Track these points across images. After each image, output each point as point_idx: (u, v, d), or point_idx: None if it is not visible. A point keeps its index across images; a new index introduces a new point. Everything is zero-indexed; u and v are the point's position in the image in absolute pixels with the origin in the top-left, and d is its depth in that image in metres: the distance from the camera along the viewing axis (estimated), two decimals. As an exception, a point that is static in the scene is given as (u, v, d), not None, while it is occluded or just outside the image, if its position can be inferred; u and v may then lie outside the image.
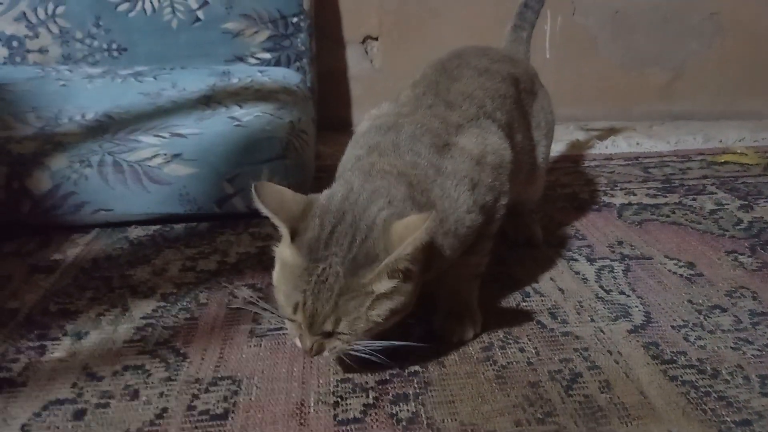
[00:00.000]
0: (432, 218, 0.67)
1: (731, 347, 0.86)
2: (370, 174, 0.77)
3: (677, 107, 2.14)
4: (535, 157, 1.07)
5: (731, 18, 2.05)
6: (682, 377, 0.80)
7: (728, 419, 0.73)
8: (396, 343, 0.74)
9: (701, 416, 0.73)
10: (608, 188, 1.49)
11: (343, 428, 0.73)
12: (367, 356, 0.74)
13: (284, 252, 0.72)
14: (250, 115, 1.36)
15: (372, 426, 0.73)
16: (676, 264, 1.10)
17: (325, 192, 0.76)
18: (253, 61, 1.75)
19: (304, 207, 0.72)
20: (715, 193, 1.45)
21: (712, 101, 2.14)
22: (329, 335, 0.72)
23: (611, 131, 1.98)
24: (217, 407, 0.76)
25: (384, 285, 0.69)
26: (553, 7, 1.95)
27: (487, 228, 0.87)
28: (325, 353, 0.73)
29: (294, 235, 0.71)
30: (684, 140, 1.92)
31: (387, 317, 0.71)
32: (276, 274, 0.74)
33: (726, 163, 1.69)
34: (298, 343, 0.74)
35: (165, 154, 1.24)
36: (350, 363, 0.78)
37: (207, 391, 0.79)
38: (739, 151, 1.77)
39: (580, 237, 1.22)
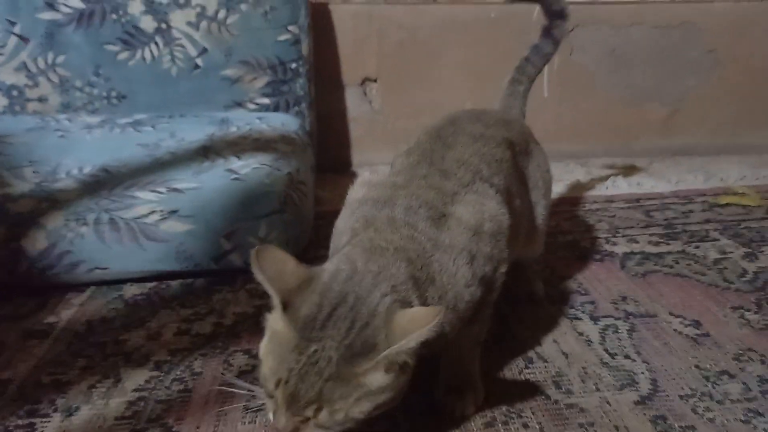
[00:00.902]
0: (440, 314, 0.65)
1: (741, 419, 0.84)
2: (371, 251, 0.75)
3: (677, 142, 2.14)
4: (534, 218, 1.06)
5: (728, 54, 2.05)
6: (691, 457, 0.77)
7: (741, 506, 0.70)
8: None
9: (713, 503, 0.70)
10: (610, 235, 1.47)
11: None
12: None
13: (276, 324, 0.69)
14: (248, 167, 1.35)
15: None
16: (681, 322, 1.08)
17: (329, 267, 0.74)
18: (252, 106, 1.75)
19: (303, 281, 0.70)
20: (719, 240, 1.43)
21: (711, 135, 2.14)
22: (307, 420, 0.68)
23: (631, 168, 1.95)
24: (210, 496, 0.73)
25: (378, 379, 0.66)
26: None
27: (486, 298, 0.86)
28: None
29: (286, 307, 0.68)
30: (685, 179, 1.91)
31: (370, 413, 0.68)
32: (264, 344, 0.71)
33: (728, 204, 1.67)
34: (272, 418, 0.69)
35: (162, 211, 1.23)
36: None
37: (200, 476, 0.76)
38: (740, 191, 1.75)
39: (583, 292, 1.20)
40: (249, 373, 0.96)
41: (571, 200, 1.73)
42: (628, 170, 1.95)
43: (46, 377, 0.96)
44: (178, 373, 0.96)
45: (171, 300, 1.19)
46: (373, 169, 0.96)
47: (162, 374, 0.96)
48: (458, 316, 0.79)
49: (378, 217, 0.82)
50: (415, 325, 0.65)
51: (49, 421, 0.86)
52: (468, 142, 0.96)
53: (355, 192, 0.92)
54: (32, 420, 0.86)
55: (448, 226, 0.82)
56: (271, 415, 0.70)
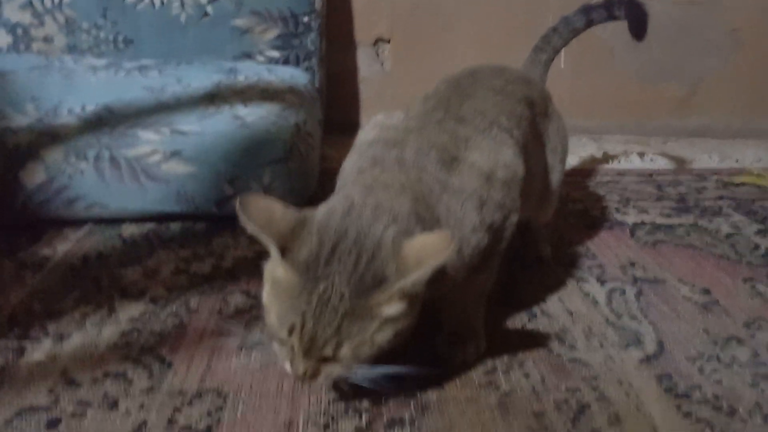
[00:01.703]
0: (454, 241, 0.63)
1: (749, 384, 0.81)
2: (371, 188, 0.73)
3: (693, 123, 2.09)
4: (548, 182, 1.03)
5: (751, 35, 2.00)
6: (697, 414, 0.75)
7: (746, 463, 0.68)
8: (397, 368, 0.69)
9: (717, 459, 0.68)
10: (620, 205, 1.44)
11: (333, 453, 0.68)
12: (364, 384, 0.69)
13: (276, 271, 0.67)
14: (255, 115, 1.32)
15: (363, 452, 0.68)
16: (690, 290, 1.05)
17: (322, 207, 0.71)
18: (261, 58, 1.71)
19: (295, 224, 0.67)
20: (731, 216, 1.39)
21: (728, 118, 2.09)
22: (326, 360, 0.66)
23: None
24: (200, 423, 0.71)
25: (394, 309, 0.64)
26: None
27: (495, 247, 0.83)
28: (320, 379, 0.67)
29: (284, 253, 0.65)
30: (699, 158, 1.87)
31: (390, 342, 0.66)
32: (266, 293, 0.68)
33: (743, 184, 1.63)
34: (288, 369, 0.67)
35: (164, 152, 1.20)
36: (344, 389, 0.73)
37: (190, 404, 0.74)
38: (756, 173, 1.71)
39: (591, 256, 1.17)
40: (246, 312, 0.94)
41: (582, 172, 1.70)
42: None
43: (38, 305, 0.94)
44: (174, 308, 0.94)
45: (170, 241, 1.16)
46: (387, 113, 0.92)
47: (157, 308, 0.94)
48: (463, 262, 0.76)
49: (386, 157, 0.79)
50: (429, 254, 0.63)
51: (40, 345, 0.84)
52: (488, 94, 0.93)
53: (366, 134, 0.89)
54: (22, 343, 0.84)
55: (460, 170, 0.79)
56: (286, 365, 0.67)
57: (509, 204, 0.82)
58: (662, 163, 1.81)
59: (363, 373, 0.68)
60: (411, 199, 0.72)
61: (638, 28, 1.20)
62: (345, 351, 0.64)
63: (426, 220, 0.72)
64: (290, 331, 0.64)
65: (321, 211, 0.70)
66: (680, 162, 1.83)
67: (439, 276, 0.73)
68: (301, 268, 0.64)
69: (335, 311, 0.62)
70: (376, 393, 0.75)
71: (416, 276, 0.63)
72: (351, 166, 0.83)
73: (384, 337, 0.65)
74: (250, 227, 0.64)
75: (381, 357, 0.68)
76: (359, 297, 0.63)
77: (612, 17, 1.20)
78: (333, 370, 0.67)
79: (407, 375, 0.72)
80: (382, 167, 0.77)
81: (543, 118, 1.03)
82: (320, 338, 0.63)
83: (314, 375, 0.66)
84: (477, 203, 0.77)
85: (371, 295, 0.63)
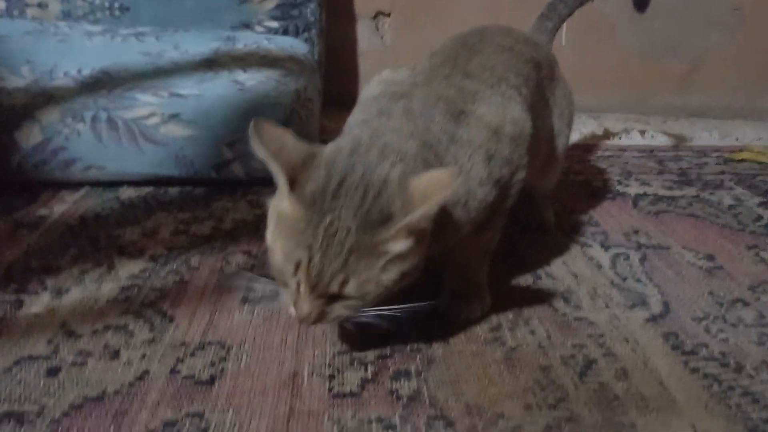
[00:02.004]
0: (460, 176, 0.62)
1: (755, 342, 0.81)
2: (379, 132, 0.71)
3: (694, 101, 2.08)
4: (554, 146, 1.02)
5: (755, 12, 1.98)
6: (704, 370, 0.74)
7: (754, 416, 0.67)
8: (402, 307, 0.68)
9: (726, 411, 0.68)
10: (622, 178, 1.43)
11: (339, 402, 0.67)
12: (369, 327, 0.68)
13: (281, 205, 0.65)
14: (254, 80, 1.30)
15: (370, 401, 0.67)
16: (694, 256, 1.04)
17: (330, 145, 0.70)
18: (260, 29, 1.68)
19: (305, 156, 0.65)
20: (733, 189, 1.39)
21: (730, 96, 2.08)
22: (332, 300, 0.65)
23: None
24: (203, 373, 0.70)
25: (400, 245, 0.62)
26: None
27: (501, 204, 0.82)
28: (325, 321, 0.66)
29: (293, 185, 0.63)
30: (700, 136, 1.87)
31: (397, 281, 0.64)
32: (271, 232, 0.67)
33: (743, 161, 1.63)
34: (293, 311, 0.66)
35: (162, 114, 1.18)
36: (349, 332, 0.71)
37: (193, 355, 0.73)
38: (757, 150, 1.71)
39: (594, 224, 1.16)
40: (248, 270, 0.92)
41: (584, 147, 1.69)
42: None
43: (35, 262, 0.92)
44: (174, 266, 0.93)
45: (168, 204, 1.15)
46: (392, 69, 0.91)
47: (157, 266, 0.92)
48: (469, 216, 0.75)
49: (393, 108, 0.78)
50: (435, 189, 0.61)
51: (38, 299, 0.83)
52: (496, 51, 0.92)
53: (371, 89, 0.87)
54: (20, 297, 0.83)
55: (467, 123, 0.78)
56: (291, 308, 0.66)
57: (517, 160, 0.80)
58: (663, 140, 1.80)
59: (368, 316, 0.67)
60: (419, 144, 0.70)
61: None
62: (351, 287, 0.63)
63: (434, 166, 0.70)
64: (297, 267, 0.62)
65: (329, 148, 0.68)
66: (680, 139, 1.83)
67: (445, 227, 0.72)
68: (308, 201, 0.63)
69: (341, 245, 0.61)
70: (381, 340, 0.74)
71: (423, 211, 0.61)
72: (355, 119, 0.82)
73: (390, 276, 0.64)
74: (262, 153, 0.62)
75: (385, 301, 0.67)
76: (366, 232, 0.61)
77: None
78: (339, 312, 0.65)
79: (411, 329, 0.72)
80: (388, 117, 0.76)
81: (549, 81, 1.02)
82: (327, 273, 0.62)
83: (319, 317, 0.65)
84: (485, 156, 0.76)
85: (378, 231, 0.61)
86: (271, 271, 0.68)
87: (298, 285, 0.64)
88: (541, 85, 0.97)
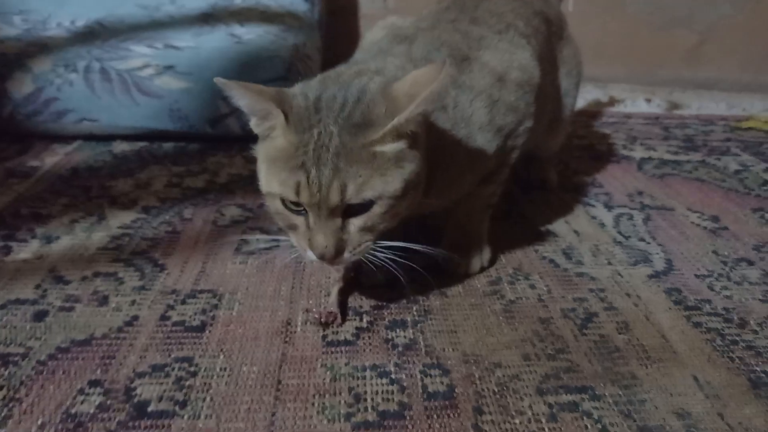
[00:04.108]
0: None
1: (759, 299, 0.79)
2: (365, 63, 0.69)
3: (702, 73, 2.04)
4: (561, 106, 0.99)
5: (767, -19, 1.93)
6: (706, 324, 0.73)
7: (758, 368, 0.65)
8: (419, 247, 0.66)
9: (728, 363, 0.66)
10: (627, 143, 1.40)
11: (332, 349, 0.65)
12: (388, 262, 0.64)
13: (274, 144, 0.62)
14: (252, 33, 1.27)
15: (364, 349, 0.66)
16: (699, 217, 1.02)
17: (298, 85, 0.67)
18: (259, -13, 1.63)
19: (278, 93, 0.62)
20: (739, 155, 1.36)
21: (738, 69, 2.04)
22: (345, 220, 0.61)
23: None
24: (194, 319, 0.69)
25: (390, 147, 0.60)
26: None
27: (505, 157, 0.79)
28: (346, 255, 0.62)
29: (286, 117, 0.60)
30: (707, 106, 1.83)
31: (402, 193, 0.61)
32: (265, 180, 0.64)
33: (750, 129, 1.60)
34: (310, 255, 0.62)
35: (157, 65, 1.15)
36: (371, 268, 0.67)
37: (184, 302, 0.71)
38: (763, 119, 1.67)
39: (598, 185, 1.14)
40: (242, 223, 0.90)
41: (588, 113, 1.65)
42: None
43: (25, 210, 0.90)
44: (167, 217, 0.90)
45: (162, 157, 1.12)
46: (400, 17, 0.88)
47: (149, 217, 0.90)
48: (468, 159, 0.72)
49: (393, 50, 0.75)
50: (421, 87, 0.58)
51: (27, 246, 0.81)
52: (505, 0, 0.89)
53: (374, 34, 0.84)
54: (9, 243, 0.81)
55: (471, 69, 0.75)
56: (308, 252, 0.62)
57: (523, 108, 0.77)
58: (663, 107, 1.77)
59: (384, 249, 0.63)
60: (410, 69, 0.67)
61: None
62: (351, 192, 0.59)
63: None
64: (297, 192, 0.60)
65: (299, 83, 0.66)
66: (677, 106, 1.79)
67: (441, 169, 0.69)
68: (296, 126, 0.60)
69: (328, 151, 0.59)
70: (377, 294, 0.73)
71: (409, 111, 0.58)
72: (353, 61, 0.79)
73: (394, 184, 0.60)
74: (249, 93, 0.60)
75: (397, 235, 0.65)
76: (349, 135, 0.59)
77: None
78: (355, 240, 0.62)
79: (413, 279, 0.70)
80: (385, 57, 0.73)
81: (558, 40, 0.98)
82: (325, 183, 0.59)
83: (338, 247, 0.61)
84: (487, 102, 0.73)
85: (362, 134, 0.59)
86: (275, 223, 0.65)
87: (306, 219, 0.61)
88: (549, 41, 0.93)
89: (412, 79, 0.60)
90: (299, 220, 0.62)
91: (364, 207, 0.61)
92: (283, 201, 0.62)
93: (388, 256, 0.64)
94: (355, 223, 0.61)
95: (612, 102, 1.80)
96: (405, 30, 0.80)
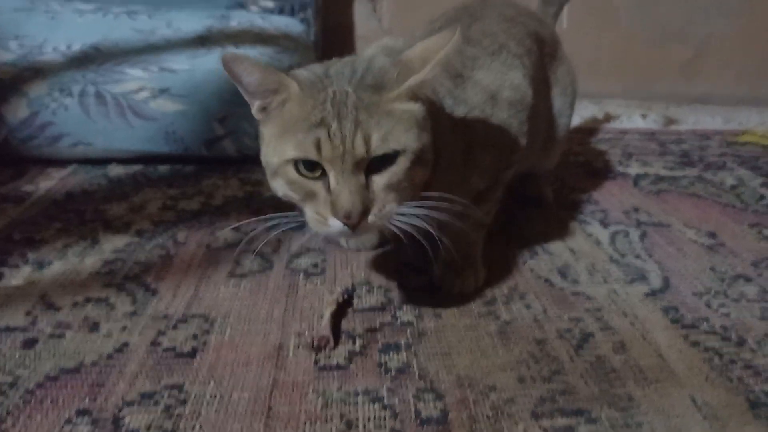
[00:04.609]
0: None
1: (758, 317, 0.78)
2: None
3: (698, 87, 2.04)
4: (555, 125, 0.99)
5: (760, -4, 1.95)
6: (704, 343, 0.72)
7: (756, 388, 0.64)
8: (439, 205, 0.63)
9: (727, 384, 0.65)
10: (623, 159, 1.40)
11: (324, 374, 0.65)
12: (409, 229, 0.62)
13: (280, 117, 0.61)
14: (248, 55, 1.27)
15: (357, 374, 0.65)
16: (696, 233, 1.02)
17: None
18: (255, 8, 1.65)
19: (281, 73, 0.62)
20: (736, 170, 1.36)
21: (734, 83, 2.04)
22: (368, 177, 0.60)
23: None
24: (185, 345, 0.68)
25: (407, 106, 0.61)
26: (574, -29, 1.85)
27: (500, 173, 0.79)
28: (371, 218, 0.59)
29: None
30: (702, 121, 1.83)
31: (420, 148, 0.61)
32: (272, 147, 0.61)
33: (746, 143, 1.60)
34: (334, 222, 0.59)
35: (152, 88, 1.15)
36: (396, 232, 0.63)
37: (175, 327, 0.71)
38: (760, 133, 1.67)
39: (594, 202, 1.13)
40: (236, 245, 0.90)
41: (584, 130, 1.66)
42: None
43: (17, 234, 0.90)
44: (161, 241, 0.90)
45: (157, 180, 1.12)
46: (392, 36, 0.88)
47: (143, 240, 0.90)
48: (466, 167, 0.72)
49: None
50: (432, 52, 0.60)
51: (18, 271, 0.80)
52: (498, 19, 0.90)
53: (368, 52, 0.84)
54: (0, 269, 0.80)
55: (464, 87, 0.75)
56: (330, 220, 0.59)
57: (516, 126, 0.78)
58: (660, 122, 1.77)
59: (406, 215, 0.62)
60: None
61: None
62: (375, 142, 0.58)
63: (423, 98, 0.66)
64: (318, 146, 0.58)
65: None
66: (673, 121, 1.79)
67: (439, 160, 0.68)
68: (308, 88, 0.61)
69: (347, 106, 0.59)
70: (370, 316, 0.72)
71: (424, 73, 0.60)
72: None
73: (414, 137, 0.60)
74: (260, 70, 0.60)
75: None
76: (365, 92, 0.60)
77: None
78: (381, 199, 0.60)
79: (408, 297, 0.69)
80: None
81: (552, 59, 0.99)
82: (348, 135, 0.58)
83: (365, 209, 0.58)
84: (480, 117, 0.74)
85: (377, 93, 0.60)
86: (293, 201, 0.63)
87: (325, 182, 0.59)
88: (542, 61, 0.94)
89: (422, 47, 0.62)
90: (317, 186, 0.60)
91: (386, 162, 0.60)
92: (297, 168, 0.60)
93: (410, 223, 0.62)
94: (379, 180, 0.60)
95: (608, 118, 1.80)
96: (396, 44, 0.81)
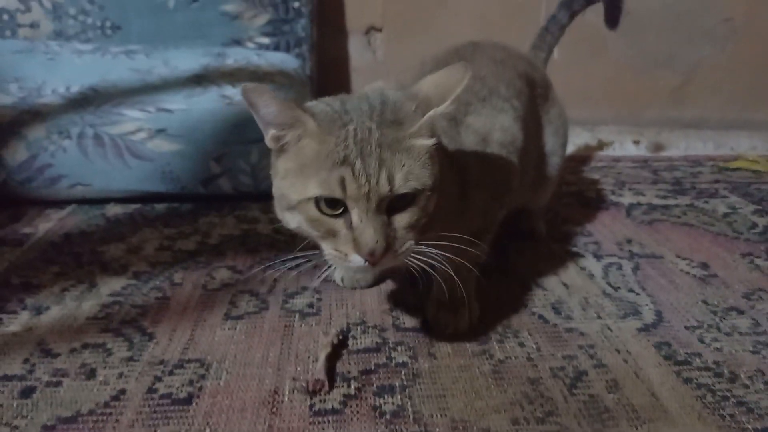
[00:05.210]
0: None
1: (750, 351, 0.79)
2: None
3: (688, 112, 2.08)
4: (547, 164, 1.01)
5: (745, 23, 1.99)
6: (697, 380, 0.72)
7: (749, 426, 0.65)
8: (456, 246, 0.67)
9: (719, 422, 0.65)
10: (616, 188, 1.42)
11: (319, 419, 0.65)
12: (429, 267, 0.65)
13: (296, 153, 0.62)
14: (243, 94, 1.29)
15: (352, 419, 0.65)
16: (688, 264, 1.03)
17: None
18: (251, 45, 1.68)
19: (297, 103, 0.63)
20: (728, 197, 1.37)
21: (723, 107, 2.08)
22: (391, 216, 0.61)
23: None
24: (181, 391, 0.68)
25: (424, 141, 0.62)
26: (563, 2, 1.90)
27: (492, 214, 0.81)
28: (392, 255, 0.61)
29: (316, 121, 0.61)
30: (694, 146, 1.86)
31: (433, 185, 0.63)
32: (291, 183, 0.62)
33: (738, 169, 1.62)
34: (356, 258, 0.60)
35: (149, 129, 1.17)
36: (414, 268, 0.66)
37: (171, 373, 0.71)
38: (751, 158, 1.70)
39: (587, 234, 1.14)
40: (232, 286, 0.91)
41: (577, 158, 1.68)
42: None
43: (15, 279, 0.90)
44: (157, 282, 0.91)
45: (155, 220, 1.13)
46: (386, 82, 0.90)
47: (140, 283, 0.91)
48: (456, 213, 0.74)
49: None
50: (447, 88, 0.62)
51: (16, 318, 0.81)
52: (488, 62, 0.92)
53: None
54: (-2, 315, 0.81)
55: (458, 131, 0.78)
56: (352, 256, 0.60)
57: (508, 167, 0.80)
58: (652, 148, 1.80)
59: (425, 252, 0.64)
60: None
61: (613, 13, 1.20)
62: (399, 181, 0.59)
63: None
64: (343, 185, 0.59)
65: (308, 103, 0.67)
66: (663, 147, 1.81)
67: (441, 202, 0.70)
68: (328, 125, 0.61)
69: (371, 144, 0.60)
70: (365, 358, 0.73)
71: (444, 107, 0.62)
72: None
73: (430, 175, 0.62)
74: (277, 104, 0.60)
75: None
76: (387, 128, 0.61)
77: (590, 2, 1.21)
78: (402, 238, 0.62)
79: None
80: None
81: (544, 101, 1.01)
82: (372, 174, 0.59)
83: (387, 242, 0.60)
84: (475, 158, 0.76)
85: (399, 128, 0.61)
86: (309, 236, 0.64)
87: (346, 220, 0.61)
88: (534, 102, 0.96)
89: (432, 82, 0.64)
90: (338, 223, 0.61)
91: (406, 202, 0.62)
92: (317, 205, 0.61)
93: (425, 259, 0.64)
94: (400, 219, 0.62)
95: (600, 146, 1.82)
96: (391, 86, 0.83)
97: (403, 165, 0.60)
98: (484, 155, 0.77)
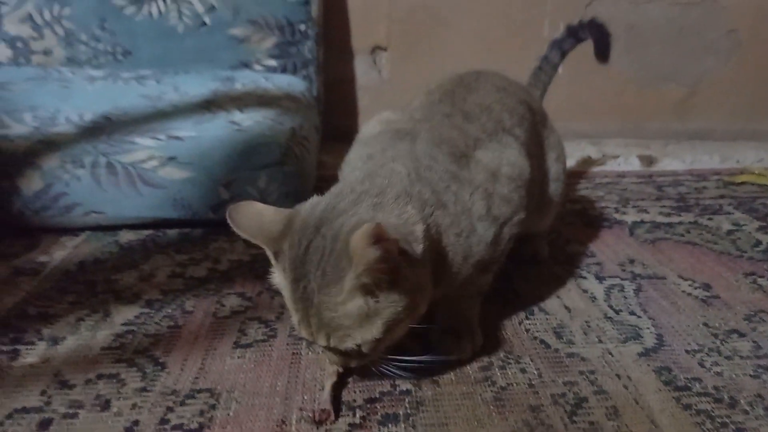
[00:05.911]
0: (377, 227, 0.57)
1: (750, 375, 0.80)
2: (373, 174, 0.73)
3: (693, 125, 2.08)
4: (548, 189, 1.03)
5: (750, 35, 1.99)
6: (696, 406, 0.73)
7: (748, 454, 0.66)
8: (422, 358, 0.73)
9: (718, 450, 0.67)
10: (620, 205, 1.43)
11: (326, 450, 0.67)
12: (392, 372, 0.73)
13: (275, 274, 0.70)
14: (251, 119, 1.32)
15: (357, 448, 0.67)
16: (690, 285, 1.04)
17: (313, 199, 0.72)
18: (258, 67, 1.72)
19: (285, 223, 0.68)
20: (732, 214, 1.38)
21: (728, 119, 2.08)
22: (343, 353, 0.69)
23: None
24: (192, 422, 0.71)
25: (357, 305, 0.63)
26: (566, 20, 1.91)
27: (498, 246, 0.83)
28: (354, 365, 0.72)
29: (277, 256, 0.68)
30: (700, 159, 1.86)
31: (389, 331, 0.66)
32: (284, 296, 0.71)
33: (743, 183, 1.62)
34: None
35: (160, 157, 1.20)
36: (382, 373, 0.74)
37: (183, 404, 0.73)
38: (757, 172, 1.70)
39: (590, 254, 1.16)
40: (241, 313, 0.93)
41: (581, 174, 1.69)
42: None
43: (32, 309, 0.93)
44: (169, 311, 0.94)
45: (166, 246, 1.16)
46: (392, 110, 0.93)
47: (152, 311, 0.93)
48: (469, 251, 0.76)
49: (399, 146, 0.80)
50: (361, 245, 0.58)
51: (34, 349, 0.84)
52: (491, 90, 0.95)
53: (371, 128, 0.89)
54: (16, 347, 0.84)
55: (469, 168, 0.80)
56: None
57: (517, 200, 0.82)
58: (663, 164, 1.80)
59: (387, 365, 0.72)
60: (412, 181, 0.73)
61: (602, 48, 1.23)
62: (335, 342, 0.65)
63: (429, 203, 0.72)
64: (298, 324, 0.68)
65: (308, 205, 0.70)
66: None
67: (447, 267, 0.73)
68: (288, 270, 0.66)
69: (311, 305, 0.65)
70: (370, 385, 0.75)
71: (355, 271, 0.60)
72: (357, 154, 0.84)
73: (372, 331, 0.65)
74: (242, 234, 0.67)
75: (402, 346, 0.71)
76: (326, 291, 0.64)
77: (579, 40, 1.25)
78: (356, 360, 0.70)
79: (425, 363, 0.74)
80: (393, 155, 0.78)
81: (543, 128, 1.04)
82: (314, 330, 0.66)
83: (343, 364, 0.72)
84: (484, 195, 0.78)
85: (334, 291, 0.63)
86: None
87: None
88: (535, 128, 0.99)
89: (362, 233, 0.58)
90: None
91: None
92: None
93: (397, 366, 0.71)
94: (351, 354, 0.69)
95: (605, 160, 1.83)
96: (403, 124, 0.85)
97: (339, 329, 0.65)
98: (494, 191, 0.79)
